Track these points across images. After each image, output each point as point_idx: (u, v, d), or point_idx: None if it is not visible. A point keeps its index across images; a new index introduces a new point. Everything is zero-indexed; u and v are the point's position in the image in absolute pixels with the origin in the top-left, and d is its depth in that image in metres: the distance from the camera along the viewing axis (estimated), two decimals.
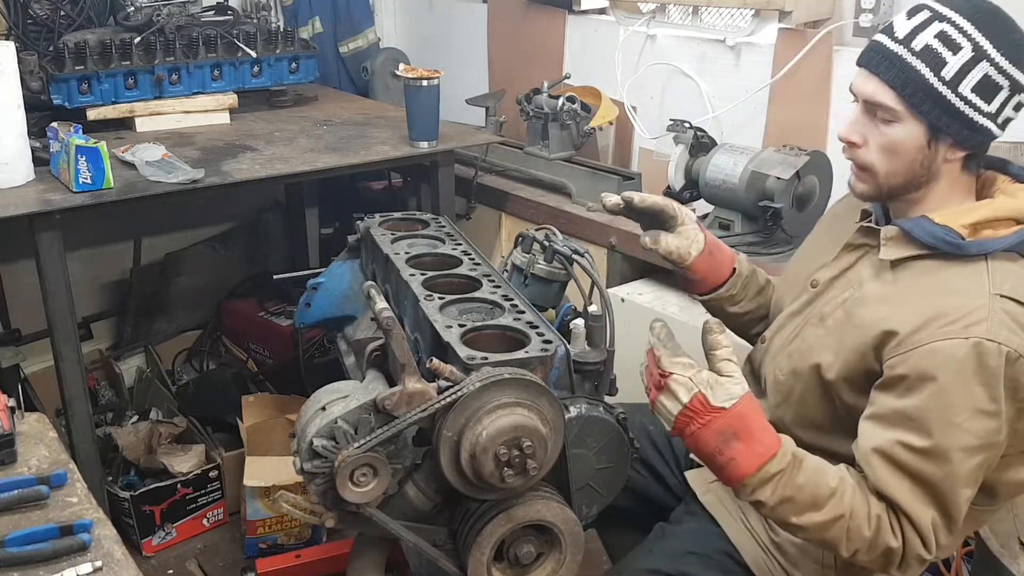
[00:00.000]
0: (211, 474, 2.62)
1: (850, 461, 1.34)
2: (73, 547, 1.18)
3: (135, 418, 2.88)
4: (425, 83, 2.44)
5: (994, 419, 1.24)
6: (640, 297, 2.33)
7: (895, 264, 1.36)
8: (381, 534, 1.36)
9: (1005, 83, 1.27)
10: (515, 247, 1.70)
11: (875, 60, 1.31)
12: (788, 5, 2.31)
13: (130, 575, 1.16)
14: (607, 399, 1.42)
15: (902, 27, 1.30)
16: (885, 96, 1.30)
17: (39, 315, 2.14)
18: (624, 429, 1.37)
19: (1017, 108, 1.30)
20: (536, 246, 1.65)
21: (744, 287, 1.65)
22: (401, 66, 2.72)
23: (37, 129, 2.39)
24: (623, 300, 2.32)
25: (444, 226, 1.82)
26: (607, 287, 2.34)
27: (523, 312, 1.43)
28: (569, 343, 1.38)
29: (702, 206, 2.46)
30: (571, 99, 2.73)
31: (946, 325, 1.24)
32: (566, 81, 2.92)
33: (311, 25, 3.36)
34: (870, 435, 1.28)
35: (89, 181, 2.08)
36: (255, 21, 3.02)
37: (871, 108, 1.32)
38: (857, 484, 1.29)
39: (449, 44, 3.51)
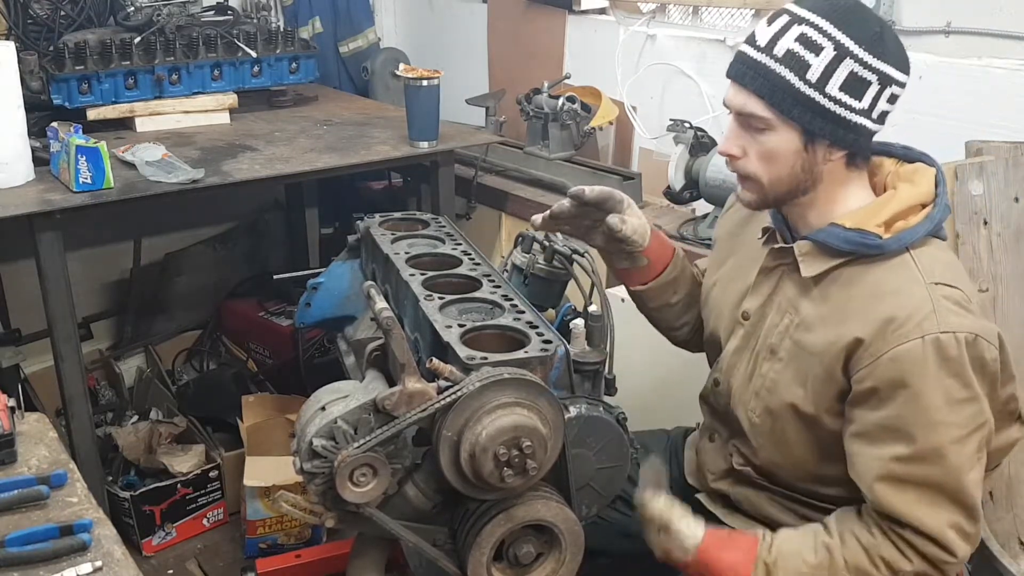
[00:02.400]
0: (211, 474, 2.62)
1: (843, 484, 1.35)
2: (73, 547, 1.18)
3: (135, 418, 2.88)
4: (425, 83, 2.44)
5: (973, 403, 1.25)
6: None
7: (818, 278, 1.34)
8: (381, 534, 1.36)
9: (873, 77, 1.25)
10: (515, 247, 1.70)
11: (740, 71, 1.30)
12: (788, 5, 2.31)
13: (130, 575, 1.16)
14: (607, 399, 1.42)
15: (763, 34, 1.28)
16: (754, 106, 1.28)
17: (39, 315, 2.14)
18: (624, 429, 1.37)
19: (892, 100, 1.29)
20: (536, 246, 1.65)
21: (683, 269, 1.64)
22: (401, 66, 2.72)
23: (37, 129, 2.39)
24: (623, 300, 2.31)
25: (444, 226, 1.82)
26: (607, 287, 2.34)
27: (523, 312, 1.43)
28: (569, 343, 1.38)
29: (702, 206, 2.46)
30: (571, 99, 2.73)
31: (898, 329, 1.23)
32: (566, 81, 2.92)
33: (311, 25, 3.36)
34: (866, 460, 1.29)
35: (89, 181, 2.08)
36: (255, 21, 3.03)
37: (744, 119, 1.31)
38: (842, 539, 1.32)
39: (449, 44, 3.51)
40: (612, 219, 1.49)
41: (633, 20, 2.76)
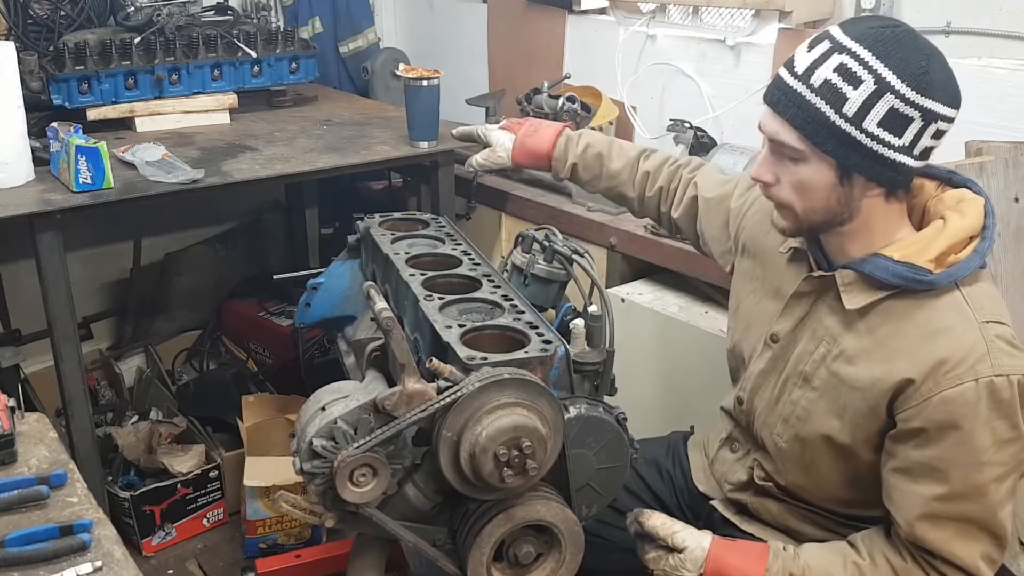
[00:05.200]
0: (211, 474, 2.62)
1: (871, 507, 1.36)
2: (73, 547, 1.18)
3: (135, 418, 2.88)
4: (425, 83, 2.44)
5: (1017, 442, 1.24)
6: (640, 297, 2.33)
7: (862, 310, 1.31)
8: (381, 534, 1.36)
9: (915, 114, 1.19)
10: (515, 247, 1.70)
11: (776, 97, 1.25)
12: (788, 5, 2.31)
13: (130, 575, 1.16)
14: (607, 399, 1.42)
15: (802, 61, 1.23)
16: (788, 136, 1.24)
17: (39, 315, 2.14)
18: (624, 429, 1.37)
19: (938, 136, 1.22)
20: (536, 246, 1.65)
21: (574, 171, 1.81)
22: (401, 66, 2.72)
23: (37, 129, 2.39)
24: (623, 300, 2.32)
25: (444, 226, 1.82)
26: (607, 287, 2.34)
27: (523, 312, 1.43)
28: (569, 343, 1.38)
29: None
30: (571, 99, 2.72)
31: (951, 371, 1.21)
32: (566, 81, 2.92)
33: (311, 25, 3.36)
34: (907, 496, 1.28)
35: (89, 181, 2.07)
36: (255, 21, 3.03)
37: (778, 147, 1.27)
38: (872, 560, 1.31)
39: (449, 44, 3.50)
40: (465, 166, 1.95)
41: (633, 20, 2.76)
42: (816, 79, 1.21)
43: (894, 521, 1.30)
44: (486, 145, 1.90)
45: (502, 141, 1.86)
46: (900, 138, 1.20)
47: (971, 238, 1.28)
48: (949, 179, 1.34)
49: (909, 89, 1.18)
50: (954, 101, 1.22)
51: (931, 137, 1.22)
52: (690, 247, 2.27)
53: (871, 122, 1.19)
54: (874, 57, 1.18)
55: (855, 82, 1.19)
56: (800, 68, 1.23)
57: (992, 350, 1.22)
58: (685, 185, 1.70)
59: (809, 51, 1.23)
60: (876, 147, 1.20)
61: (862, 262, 1.30)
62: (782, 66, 1.27)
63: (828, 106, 1.20)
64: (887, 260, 1.27)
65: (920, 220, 1.34)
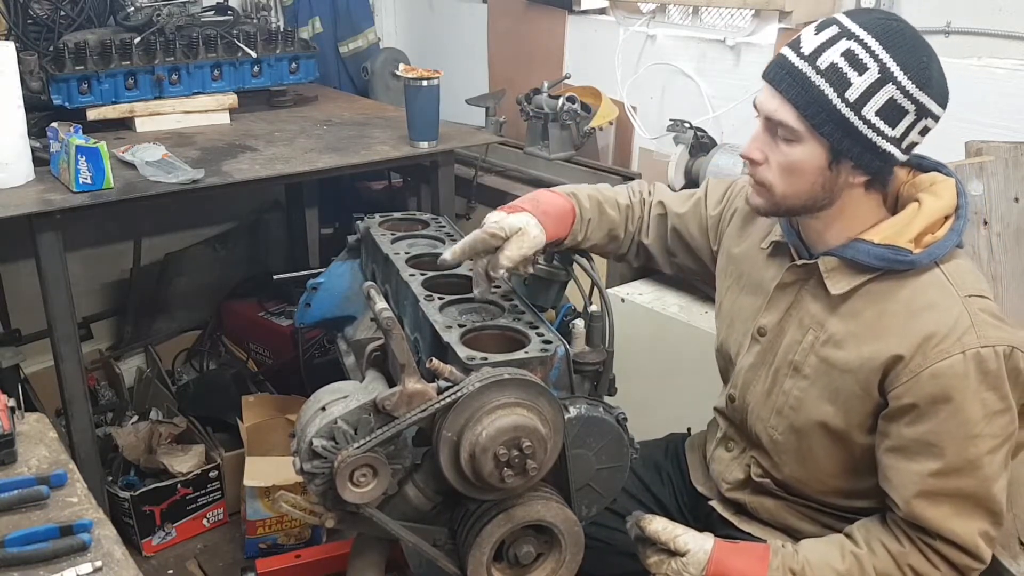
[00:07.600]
0: (211, 474, 2.62)
1: (869, 496, 1.37)
2: (73, 547, 1.18)
3: (135, 418, 2.88)
4: (425, 83, 2.44)
5: (1007, 413, 1.26)
6: (640, 297, 2.34)
7: (845, 295, 1.33)
8: (381, 534, 1.36)
9: (911, 107, 1.22)
10: None
11: (779, 76, 1.26)
12: (788, 5, 2.31)
13: (130, 575, 1.16)
14: (607, 399, 1.42)
15: (809, 42, 1.24)
16: (786, 115, 1.25)
17: (39, 315, 2.14)
18: (624, 429, 1.37)
19: (923, 132, 1.26)
20: None
21: (588, 227, 1.55)
22: (401, 66, 2.72)
23: (37, 129, 2.39)
24: (623, 300, 2.32)
25: (444, 226, 1.82)
26: (607, 287, 2.34)
27: (523, 312, 1.43)
28: (569, 343, 1.38)
29: None
30: (571, 99, 2.73)
31: (939, 344, 1.23)
32: (566, 81, 2.92)
33: (311, 25, 3.36)
34: (902, 475, 1.29)
35: (89, 181, 2.08)
36: (255, 21, 3.03)
37: (772, 126, 1.28)
38: (870, 548, 1.32)
39: (449, 44, 3.51)
40: (491, 270, 1.41)
41: (633, 20, 2.76)
42: (823, 61, 1.22)
43: (891, 503, 1.31)
44: (499, 242, 1.42)
45: (525, 221, 1.43)
46: (893, 129, 1.23)
47: (946, 218, 1.30)
48: (919, 164, 1.36)
49: (910, 82, 1.21)
50: (944, 101, 1.25)
51: (918, 132, 1.25)
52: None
53: (870, 110, 1.21)
54: (881, 47, 1.20)
55: (860, 69, 1.21)
56: (807, 49, 1.24)
57: (976, 322, 1.24)
58: (649, 208, 1.69)
59: (816, 34, 1.24)
60: (870, 134, 1.23)
61: (843, 248, 1.32)
62: (786, 46, 1.28)
63: (832, 89, 1.21)
64: (868, 244, 1.29)
65: (894, 205, 1.36)
